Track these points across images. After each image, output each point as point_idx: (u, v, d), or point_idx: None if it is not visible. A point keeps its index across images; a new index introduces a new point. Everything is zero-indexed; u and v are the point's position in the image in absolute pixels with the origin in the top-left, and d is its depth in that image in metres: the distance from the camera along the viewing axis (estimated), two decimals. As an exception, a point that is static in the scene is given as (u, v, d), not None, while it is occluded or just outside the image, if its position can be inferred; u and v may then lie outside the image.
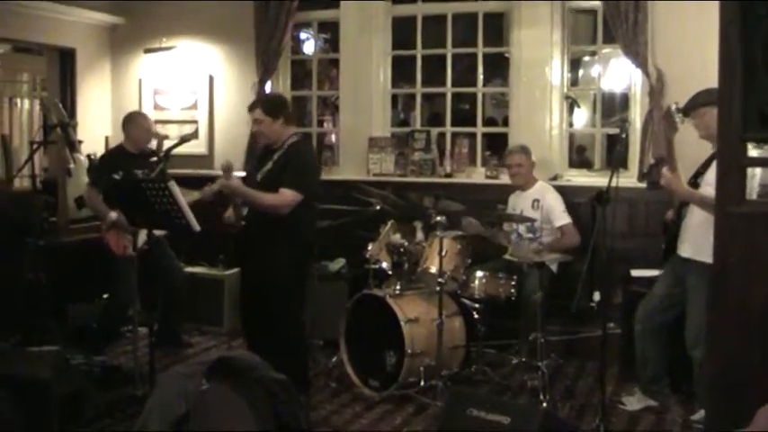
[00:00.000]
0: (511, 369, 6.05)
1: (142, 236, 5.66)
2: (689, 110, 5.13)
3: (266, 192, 5.26)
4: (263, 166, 5.43)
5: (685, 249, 5.17)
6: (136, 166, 6.07)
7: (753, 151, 4.00)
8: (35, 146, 7.60)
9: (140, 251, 5.77)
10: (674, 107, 5.10)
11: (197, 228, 4.76)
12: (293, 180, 5.23)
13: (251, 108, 5.57)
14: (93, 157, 7.50)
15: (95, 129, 8.43)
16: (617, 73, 7.64)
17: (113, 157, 6.57)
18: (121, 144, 6.70)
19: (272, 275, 5.30)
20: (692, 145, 5.17)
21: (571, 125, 7.77)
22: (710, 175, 4.91)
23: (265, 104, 5.51)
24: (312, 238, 5.57)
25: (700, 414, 5.02)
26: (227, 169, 5.30)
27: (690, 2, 6.32)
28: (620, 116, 8.04)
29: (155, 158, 5.81)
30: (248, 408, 2.64)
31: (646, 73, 6.65)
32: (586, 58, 8.98)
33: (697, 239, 4.95)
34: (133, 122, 6.65)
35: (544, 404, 5.46)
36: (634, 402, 5.53)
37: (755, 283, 3.46)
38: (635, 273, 6.17)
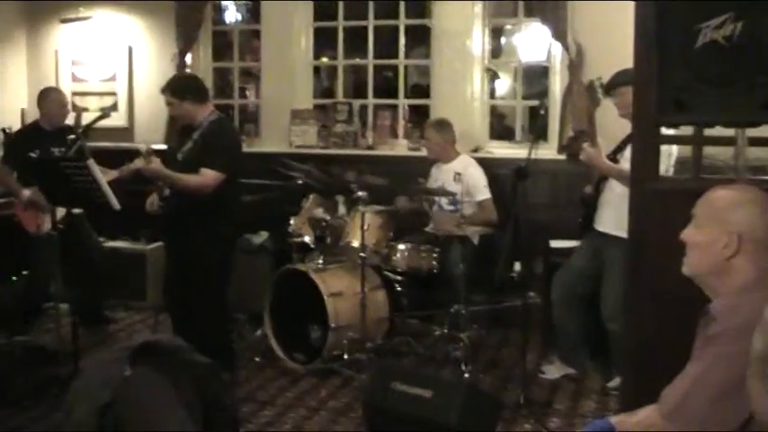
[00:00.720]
0: (434, 340, 6.12)
1: (59, 213, 5.57)
2: (609, 88, 5.23)
3: (188, 171, 5.20)
4: (183, 146, 5.37)
5: (603, 224, 5.28)
6: (52, 143, 5.98)
7: (667, 130, 4.11)
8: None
9: (58, 229, 5.68)
10: (597, 81, 5.18)
11: (117, 206, 4.71)
12: (215, 159, 5.17)
13: (162, 91, 5.49)
14: (8, 130, 7.35)
15: (11, 102, 8.25)
16: (538, 45, 7.71)
17: (28, 135, 6.45)
18: (36, 121, 6.56)
19: (197, 254, 5.27)
20: (612, 121, 5.26)
21: (492, 95, 7.84)
22: (629, 152, 5.02)
23: (172, 87, 5.43)
24: (237, 217, 5.54)
25: (616, 381, 5.16)
26: (148, 153, 5.20)
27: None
28: (540, 87, 8.12)
29: (73, 135, 5.71)
30: (174, 392, 2.64)
31: (565, 47, 6.74)
32: (508, 27, 9.04)
33: (614, 214, 5.04)
34: (48, 98, 6.51)
35: (467, 375, 5.55)
36: (553, 371, 5.66)
37: (670, 258, 3.54)
38: (554, 243, 6.29)
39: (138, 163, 5.35)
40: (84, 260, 6.46)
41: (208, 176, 5.15)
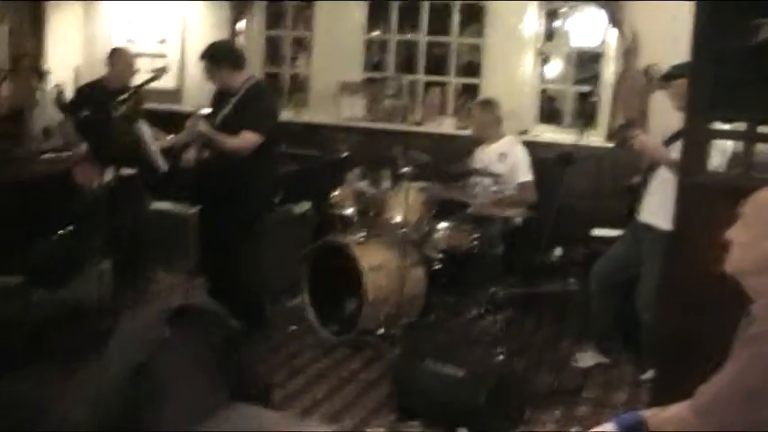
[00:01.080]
0: (469, 320, 6.12)
1: (110, 171, 5.64)
2: (667, 79, 5.16)
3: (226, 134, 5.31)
4: (220, 110, 5.45)
5: (645, 215, 5.23)
6: (113, 101, 6.05)
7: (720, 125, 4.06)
8: (2, 74, 7.50)
9: (106, 186, 5.75)
10: (654, 67, 5.11)
11: (164, 168, 4.78)
12: (253, 122, 5.32)
13: (201, 57, 5.57)
14: (60, 87, 7.43)
15: (65, 60, 8.33)
16: (592, 30, 7.63)
17: (91, 91, 6.51)
18: (101, 78, 6.64)
19: (231, 217, 5.36)
20: (662, 112, 5.20)
21: (543, 78, 7.78)
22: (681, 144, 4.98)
23: (210, 53, 5.55)
24: (274, 180, 5.61)
25: (649, 373, 5.13)
26: (197, 117, 5.31)
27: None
28: (593, 72, 8.04)
29: (124, 96, 5.77)
30: (210, 355, 2.68)
31: (621, 33, 6.67)
32: (563, 10, 8.96)
33: (656, 206, 5.01)
34: (117, 57, 6.57)
35: (500, 357, 5.54)
36: (587, 359, 5.63)
37: (711, 254, 3.53)
38: (597, 231, 6.26)
39: (188, 129, 5.41)
40: (129, 219, 6.52)
41: (247, 138, 5.28)
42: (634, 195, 5.40)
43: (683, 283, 3.85)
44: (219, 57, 5.51)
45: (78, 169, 6.22)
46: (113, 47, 6.87)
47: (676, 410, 2.43)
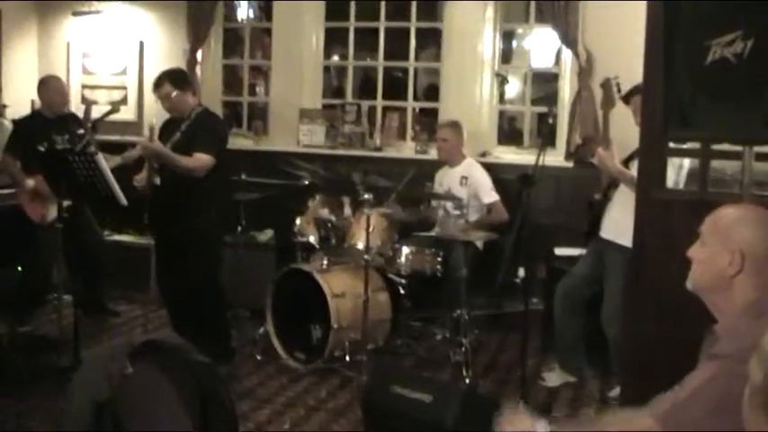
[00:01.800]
0: (435, 343, 6.14)
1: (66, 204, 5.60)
2: (628, 96, 5.22)
3: None
4: (170, 137, 5.46)
5: (607, 231, 5.27)
6: (54, 130, 6.02)
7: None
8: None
9: (62, 219, 5.70)
10: (614, 80, 5.16)
11: (124, 201, 4.77)
12: (206, 144, 5.37)
13: (157, 84, 5.62)
14: (17, 121, 7.36)
15: (21, 92, 8.25)
16: (548, 51, 7.72)
17: (31, 123, 6.49)
18: (38, 109, 6.62)
19: (187, 241, 5.39)
20: (623, 129, 5.23)
21: (502, 98, 7.83)
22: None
23: (173, 78, 5.59)
24: (227, 206, 5.64)
25: (616, 390, 5.15)
26: (152, 130, 5.32)
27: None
28: (547, 91, 8.10)
29: (80, 129, 5.74)
30: (173, 391, 2.65)
31: (575, 53, 6.75)
32: (519, 31, 9.05)
33: (618, 222, 5.05)
34: (47, 86, 6.58)
35: (467, 380, 5.55)
36: (554, 378, 5.65)
37: (671, 267, 3.57)
38: (558, 251, 6.30)
39: (140, 145, 5.42)
40: (87, 251, 6.49)
41: (201, 159, 5.33)
42: (595, 213, 5.44)
43: (644, 299, 3.88)
44: (183, 80, 5.61)
45: (29, 208, 6.18)
46: (42, 77, 6.85)
47: (635, 415, 2.44)
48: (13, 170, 6.31)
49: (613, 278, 5.13)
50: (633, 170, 4.98)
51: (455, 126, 6.64)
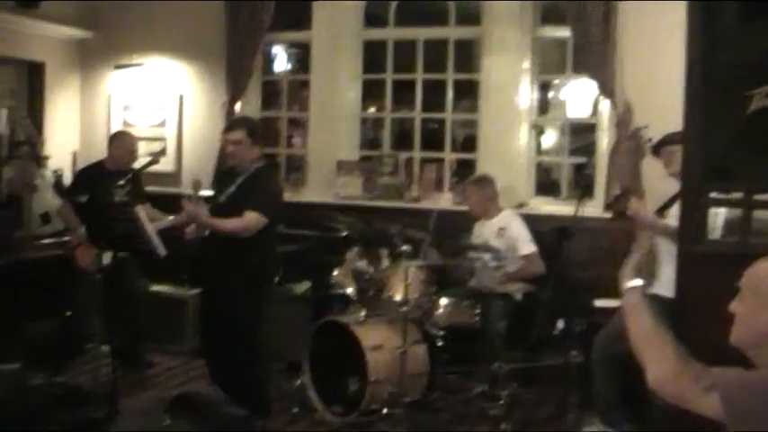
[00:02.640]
0: (472, 397, 6.06)
1: (108, 255, 5.63)
2: (658, 147, 5.20)
3: (229, 213, 5.31)
4: (226, 188, 5.46)
5: None
6: (113, 184, 6.08)
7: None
8: (1, 161, 7.53)
9: (104, 269, 5.73)
10: (643, 129, 5.13)
11: (163, 253, 4.78)
12: (259, 203, 5.30)
13: (231, 128, 5.60)
14: (59, 172, 7.46)
15: (63, 144, 8.39)
16: (585, 101, 7.71)
17: (91, 174, 6.54)
18: (102, 160, 6.68)
19: (231, 297, 5.33)
20: (658, 179, 5.21)
21: (539, 149, 7.82)
22: (676, 209, 4.98)
23: (250, 127, 5.58)
24: (272, 262, 5.62)
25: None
26: (197, 186, 5.33)
27: (661, 35, 6.34)
28: (585, 142, 8.08)
29: (121, 181, 5.79)
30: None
31: (613, 104, 6.72)
32: (556, 81, 9.04)
33: (660, 275, 4.97)
34: (119, 141, 6.66)
35: (504, 434, 5.47)
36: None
37: (713, 321, 3.50)
38: (598, 303, 6.21)
39: (186, 210, 5.41)
40: (127, 302, 6.50)
41: (251, 219, 5.26)
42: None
43: (689, 352, 3.80)
44: (257, 131, 5.61)
45: (79, 253, 6.22)
46: (117, 130, 6.93)
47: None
48: (69, 215, 6.38)
49: None
50: (668, 219, 4.96)
51: (480, 182, 6.65)
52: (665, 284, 4.48)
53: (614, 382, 5.44)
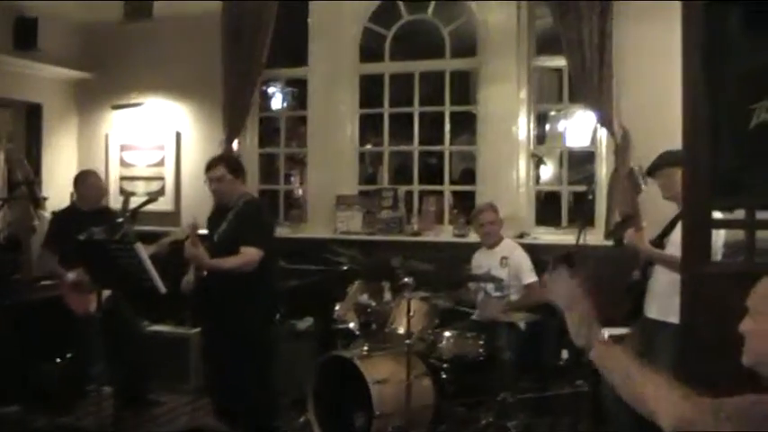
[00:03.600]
0: (480, 428, 5.99)
1: (107, 294, 5.60)
2: (654, 170, 5.19)
3: (225, 251, 5.33)
4: (217, 227, 5.47)
5: (652, 310, 5.15)
6: (90, 224, 6.06)
7: (717, 213, 4.04)
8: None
9: (102, 310, 5.69)
10: (636, 168, 5.16)
11: (163, 290, 4.75)
12: (254, 237, 5.36)
13: (212, 165, 5.64)
14: (57, 214, 7.43)
15: (61, 185, 8.36)
16: (583, 130, 7.72)
17: (66, 217, 6.53)
18: (73, 203, 6.69)
19: (235, 334, 5.30)
20: (659, 205, 5.20)
21: (538, 180, 7.82)
22: (675, 236, 4.95)
23: (230, 163, 5.65)
24: (274, 294, 5.60)
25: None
26: (194, 228, 5.31)
27: (657, 60, 6.37)
28: (585, 174, 8.09)
29: (120, 219, 5.77)
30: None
31: (611, 131, 6.72)
32: (553, 113, 9.07)
33: (663, 300, 4.93)
34: (84, 181, 6.65)
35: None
36: None
37: (722, 345, 3.47)
38: (602, 331, 6.15)
39: (187, 244, 5.39)
40: (127, 342, 6.46)
41: (249, 254, 5.30)
42: (635, 292, 5.33)
43: (695, 377, 3.76)
44: (239, 167, 5.71)
45: (71, 300, 6.18)
46: (79, 171, 6.92)
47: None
48: (51, 264, 6.36)
49: (664, 357, 4.97)
50: (668, 247, 4.95)
51: (495, 208, 6.61)
52: (670, 311, 4.48)
53: (630, 414, 5.31)
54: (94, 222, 6.15)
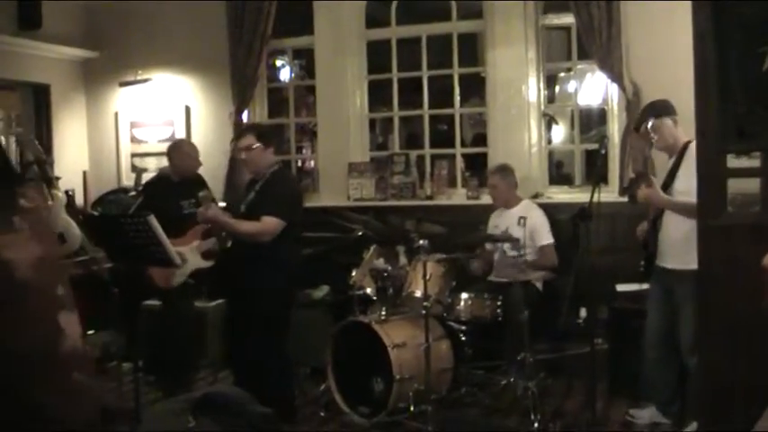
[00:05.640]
0: (500, 390, 6.00)
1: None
2: (641, 124, 5.21)
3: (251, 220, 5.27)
4: (246, 197, 5.44)
5: (669, 260, 5.12)
6: (181, 194, 6.04)
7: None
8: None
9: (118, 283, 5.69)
10: (651, 124, 5.13)
11: (178, 262, 4.74)
12: (276, 208, 5.27)
13: (241, 135, 5.60)
14: (70, 193, 7.43)
15: (72, 164, 8.39)
16: (594, 88, 7.67)
17: (156, 187, 6.47)
18: (163, 172, 6.63)
19: (257, 305, 5.29)
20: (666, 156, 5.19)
21: (550, 142, 7.79)
22: (679, 184, 4.95)
23: (259, 131, 5.56)
24: (297, 267, 5.56)
25: (693, 426, 4.97)
26: (206, 199, 5.31)
27: (664, 14, 6.33)
28: (597, 130, 8.06)
29: (132, 193, 5.76)
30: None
31: (622, 87, 6.68)
32: (562, 74, 9.01)
33: (680, 249, 4.92)
34: (178, 150, 6.54)
35: (535, 424, 5.40)
36: (645, 417, 5.45)
37: (739, 294, 3.46)
38: (620, 287, 6.15)
39: (198, 213, 5.39)
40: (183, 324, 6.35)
41: (268, 223, 5.22)
42: (649, 247, 5.30)
43: (716, 329, 3.75)
44: (269, 136, 5.61)
45: (154, 270, 6.03)
46: (174, 141, 6.86)
47: None
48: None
49: (687, 306, 4.94)
50: (676, 197, 4.99)
51: (503, 170, 6.59)
52: (689, 259, 4.47)
53: (674, 374, 5.28)
54: (185, 193, 6.11)
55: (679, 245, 4.92)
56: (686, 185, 4.82)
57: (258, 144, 5.43)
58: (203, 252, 5.67)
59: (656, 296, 5.35)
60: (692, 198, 4.72)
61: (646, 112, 5.28)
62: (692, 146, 4.95)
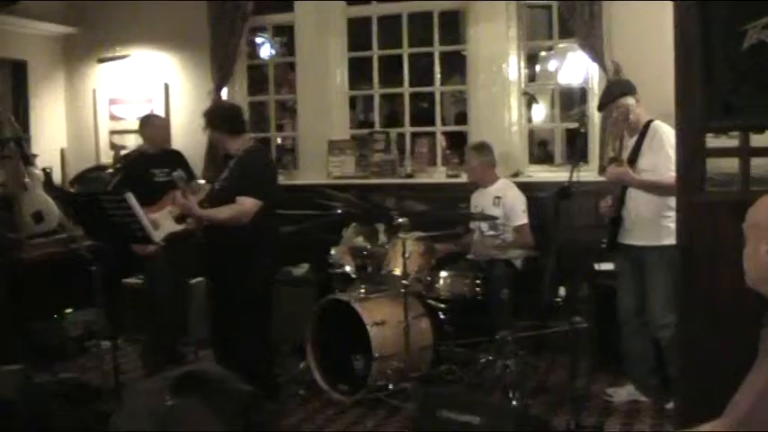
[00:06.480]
0: (480, 367, 6.02)
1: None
2: (606, 104, 5.25)
3: (224, 199, 5.23)
4: (220, 174, 5.40)
5: (638, 237, 5.15)
6: (158, 165, 5.99)
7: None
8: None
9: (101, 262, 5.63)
10: (614, 103, 5.20)
11: (157, 239, 4.71)
12: (250, 187, 5.20)
13: (206, 125, 5.54)
14: (48, 170, 7.39)
15: (50, 141, 8.32)
16: (574, 67, 7.67)
17: (135, 162, 6.41)
18: (140, 147, 6.58)
19: (238, 283, 5.26)
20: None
21: (530, 121, 7.78)
22: (644, 162, 5.00)
23: (208, 117, 5.53)
24: (276, 246, 5.53)
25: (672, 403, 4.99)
26: (181, 179, 5.24)
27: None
28: (578, 109, 8.06)
29: (110, 170, 5.72)
30: (218, 422, 2.58)
31: (603, 66, 6.67)
32: (543, 53, 9.01)
33: (650, 226, 5.00)
34: (148, 124, 6.50)
35: (515, 402, 5.42)
36: (623, 395, 5.49)
37: (721, 271, 3.47)
38: (599, 266, 6.17)
39: (178, 202, 5.32)
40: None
41: (245, 204, 5.16)
42: (616, 224, 5.32)
43: (696, 305, 3.76)
44: (216, 120, 5.48)
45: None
46: (144, 115, 6.81)
47: (710, 427, 2.36)
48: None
49: (656, 279, 5.00)
50: (643, 174, 5.03)
51: (479, 148, 6.58)
52: (660, 235, 4.51)
53: (651, 348, 5.32)
54: (162, 164, 6.07)
55: (648, 222, 5.00)
56: (651, 163, 4.97)
57: (214, 131, 5.47)
58: (176, 216, 5.59)
59: (625, 274, 5.38)
60: (656, 176, 4.82)
61: (610, 91, 5.32)
62: (656, 124, 5.10)
